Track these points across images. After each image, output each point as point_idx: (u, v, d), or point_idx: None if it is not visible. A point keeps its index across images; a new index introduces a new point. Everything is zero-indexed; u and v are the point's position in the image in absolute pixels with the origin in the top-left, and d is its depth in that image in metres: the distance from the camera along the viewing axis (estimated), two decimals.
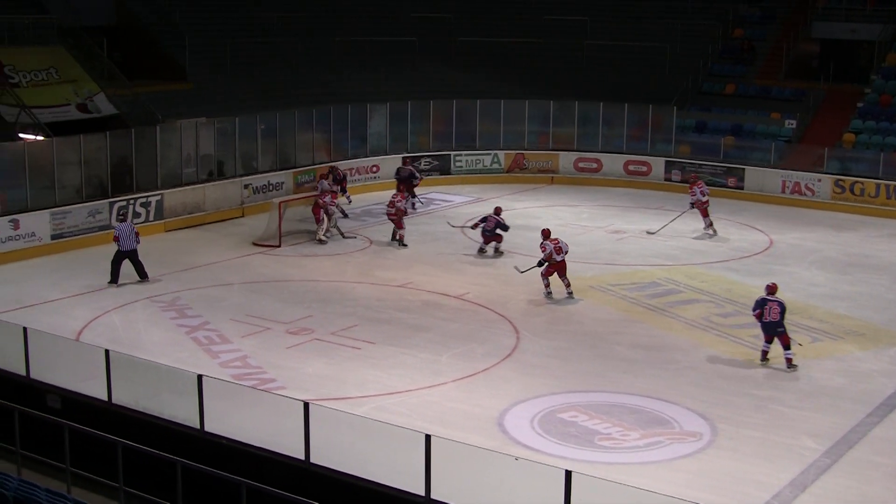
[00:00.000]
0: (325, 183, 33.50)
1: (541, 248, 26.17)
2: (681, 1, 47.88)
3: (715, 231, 32.66)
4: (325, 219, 31.63)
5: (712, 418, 18.91)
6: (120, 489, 15.14)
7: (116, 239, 26.99)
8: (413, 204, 35.61)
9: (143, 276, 27.06)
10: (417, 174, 37.09)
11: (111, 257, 26.92)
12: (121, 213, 29.07)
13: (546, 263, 26.05)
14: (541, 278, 26.16)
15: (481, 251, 30.10)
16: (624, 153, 41.76)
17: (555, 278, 25.99)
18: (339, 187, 34.74)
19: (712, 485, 16.38)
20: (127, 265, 26.73)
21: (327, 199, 31.84)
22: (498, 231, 29.97)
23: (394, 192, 33.62)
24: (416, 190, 36.54)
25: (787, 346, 21.35)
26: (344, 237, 31.93)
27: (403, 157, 38.57)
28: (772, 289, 21.79)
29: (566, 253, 26.07)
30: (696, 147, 41.25)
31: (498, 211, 30.32)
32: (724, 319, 24.64)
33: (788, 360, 21.30)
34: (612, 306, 25.60)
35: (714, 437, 18.21)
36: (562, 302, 25.79)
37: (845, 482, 16.71)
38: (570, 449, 17.63)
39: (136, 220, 31.97)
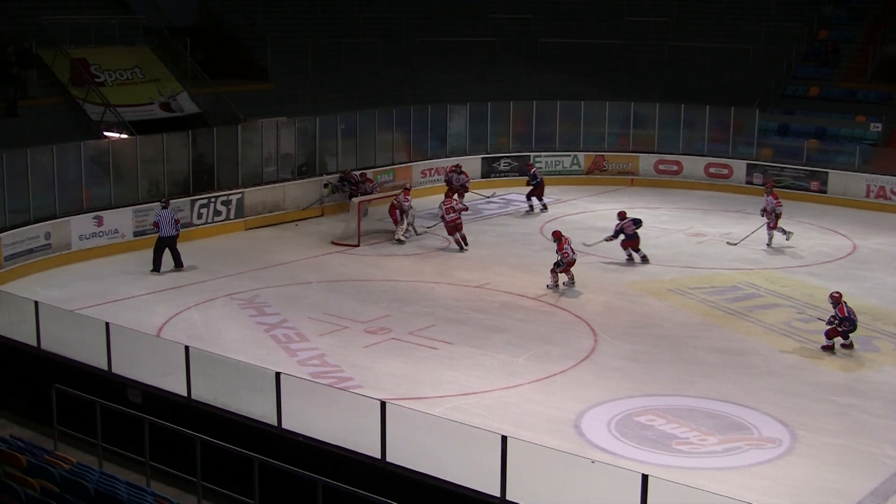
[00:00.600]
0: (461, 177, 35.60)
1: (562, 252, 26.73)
2: (765, 2, 47.30)
3: (784, 232, 31.92)
4: (403, 218, 31.70)
5: (792, 425, 18.67)
6: (198, 484, 15.28)
7: (156, 225, 27.99)
8: (542, 206, 36.25)
9: (178, 264, 27.97)
10: (467, 184, 36.78)
11: (192, 255, 27.19)
12: (164, 200, 29.28)
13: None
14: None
15: (630, 260, 29.66)
16: (705, 155, 41.37)
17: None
18: (355, 189, 34.66)
19: (791, 492, 16.18)
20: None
21: (400, 197, 31.83)
22: (637, 231, 29.73)
23: (443, 198, 33.04)
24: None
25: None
26: (417, 234, 31.97)
27: (455, 165, 37.92)
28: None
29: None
30: (779, 150, 40.74)
31: (622, 215, 29.87)
32: (804, 325, 24.32)
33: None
34: (692, 310, 25.38)
35: (794, 444, 17.98)
36: (641, 305, 25.62)
37: None
38: (647, 453, 17.50)
39: (216, 218, 32.36)
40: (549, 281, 26.67)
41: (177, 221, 28.30)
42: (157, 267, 27.65)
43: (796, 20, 45.66)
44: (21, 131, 31.14)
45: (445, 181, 36.91)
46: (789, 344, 22.96)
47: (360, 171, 35.78)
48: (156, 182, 31.53)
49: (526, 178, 37.26)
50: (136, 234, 30.25)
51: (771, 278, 28.13)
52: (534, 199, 36.38)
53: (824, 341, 22.58)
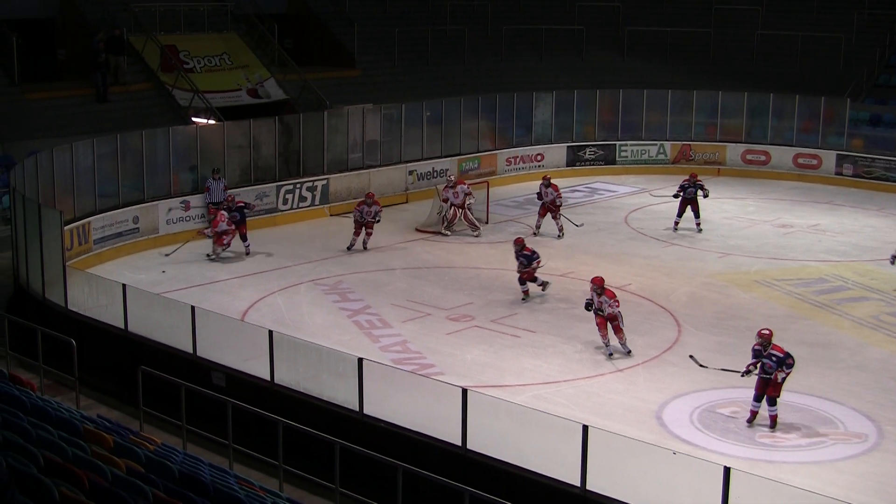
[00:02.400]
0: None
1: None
2: None
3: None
4: (456, 213, 31.23)
5: (879, 420, 18.38)
6: (279, 467, 15.42)
7: (207, 189, 29.88)
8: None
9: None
10: (558, 200, 30.83)
11: (277, 240, 27.35)
12: (215, 170, 30.27)
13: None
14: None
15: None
16: (794, 146, 40.79)
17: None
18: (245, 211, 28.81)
19: (877, 488, 15.92)
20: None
21: (448, 193, 31.25)
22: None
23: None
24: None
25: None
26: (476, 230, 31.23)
27: (544, 176, 32.20)
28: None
29: None
30: (870, 140, 40.06)
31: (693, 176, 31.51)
32: (894, 318, 23.92)
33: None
34: (778, 302, 25.07)
35: (880, 440, 17.69)
36: (726, 296, 25.37)
37: None
38: (730, 445, 17.33)
39: (302, 204, 32.58)
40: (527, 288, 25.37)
41: (225, 188, 29.75)
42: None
43: (890, 8, 44.88)
44: (111, 117, 31.67)
45: (537, 195, 31.38)
46: (877, 338, 22.59)
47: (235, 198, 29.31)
48: (243, 167, 31.82)
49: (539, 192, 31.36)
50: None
51: (860, 271, 27.71)
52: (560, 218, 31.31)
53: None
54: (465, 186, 31.38)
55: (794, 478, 14.70)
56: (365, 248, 28.81)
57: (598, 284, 21.27)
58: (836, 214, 34.40)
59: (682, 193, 30.88)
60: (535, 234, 30.66)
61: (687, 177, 31.61)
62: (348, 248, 28.82)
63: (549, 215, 30.79)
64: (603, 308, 21.10)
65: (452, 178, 32.12)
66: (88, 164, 27.62)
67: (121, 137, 28.72)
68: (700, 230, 30.90)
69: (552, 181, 31.10)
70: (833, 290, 26.05)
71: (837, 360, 21.37)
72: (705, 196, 31.00)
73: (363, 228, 28.89)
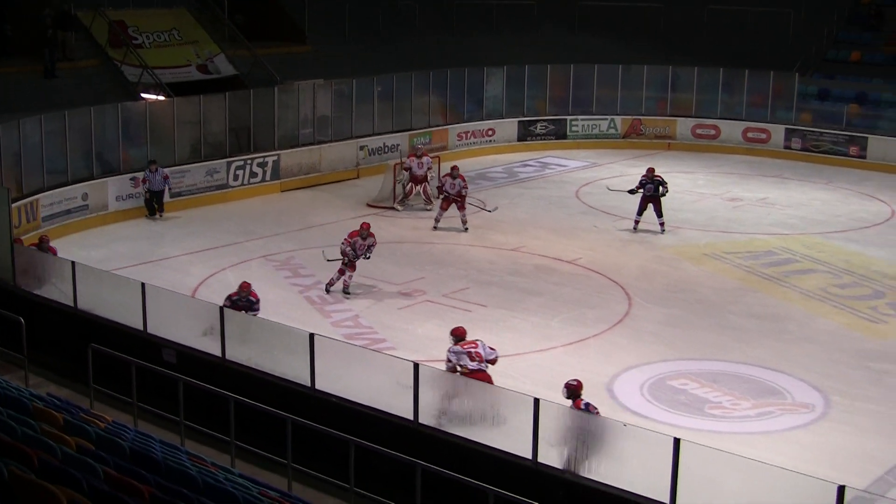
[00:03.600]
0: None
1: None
2: None
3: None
4: (414, 187, 31.21)
5: (826, 390, 18.61)
6: (231, 443, 15.40)
7: (145, 181, 29.14)
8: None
9: (160, 210, 29.62)
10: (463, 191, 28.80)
11: (228, 216, 27.23)
12: (151, 162, 29.40)
13: None
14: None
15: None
16: (743, 120, 41.07)
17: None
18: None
19: (824, 458, 16.12)
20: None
21: (413, 162, 31.05)
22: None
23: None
24: None
25: None
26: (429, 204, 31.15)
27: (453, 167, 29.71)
28: None
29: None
30: (819, 115, 40.38)
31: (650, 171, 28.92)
32: (841, 290, 24.21)
33: None
34: (727, 275, 25.28)
35: (827, 410, 17.93)
36: (676, 269, 25.55)
37: None
38: (680, 417, 17.50)
39: (252, 180, 32.46)
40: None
41: (166, 178, 29.37)
42: (151, 213, 29.50)
43: None
44: (59, 93, 31.31)
45: (437, 186, 29.94)
46: (825, 310, 22.85)
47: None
48: (192, 144, 31.65)
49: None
50: (172, 195, 30.33)
51: (807, 243, 27.98)
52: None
53: (861, 309, 22.48)
54: (429, 159, 31.37)
55: (742, 448, 14.82)
56: (346, 293, 23.39)
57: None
58: (785, 188, 34.70)
59: (640, 190, 28.67)
60: (435, 228, 28.92)
61: (644, 172, 29.08)
62: (326, 290, 23.64)
63: (454, 207, 28.73)
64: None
65: (421, 146, 31.87)
66: (36, 141, 27.36)
67: (69, 114, 28.46)
68: (663, 231, 28.54)
69: (460, 172, 28.94)
70: (781, 262, 26.30)
71: (786, 331, 21.61)
72: (664, 194, 28.59)
73: (347, 268, 23.60)
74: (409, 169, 30.98)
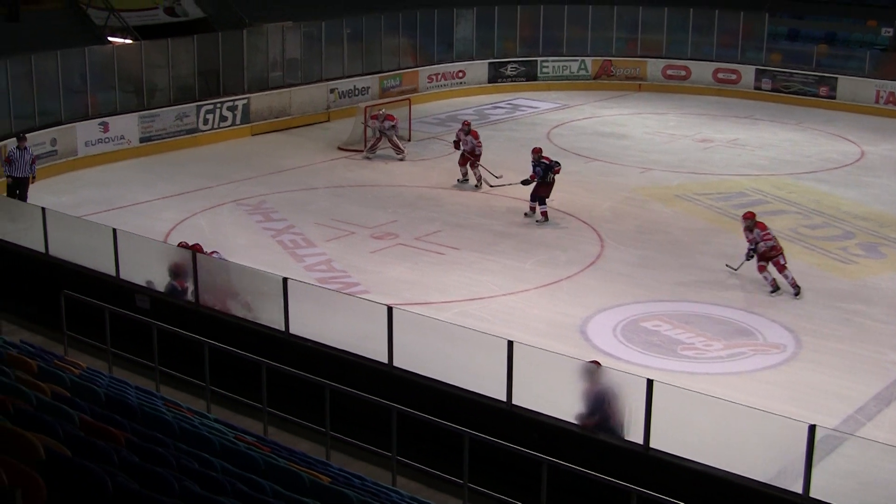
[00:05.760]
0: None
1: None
2: None
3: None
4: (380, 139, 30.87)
5: (797, 330, 18.76)
6: (206, 388, 15.40)
7: (8, 161, 24.35)
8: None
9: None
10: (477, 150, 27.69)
11: (199, 160, 27.06)
12: (20, 136, 24.95)
13: None
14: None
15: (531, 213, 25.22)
16: (713, 61, 41.08)
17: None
18: None
19: (795, 397, 16.28)
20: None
21: (376, 123, 30.64)
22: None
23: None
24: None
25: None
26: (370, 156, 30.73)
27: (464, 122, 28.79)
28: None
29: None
30: (788, 55, 40.44)
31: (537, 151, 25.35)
32: (811, 231, 24.35)
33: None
34: (698, 216, 25.37)
35: (798, 350, 18.07)
36: (647, 210, 25.62)
37: None
38: (653, 358, 17.61)
39: (222, 124, 32.26)
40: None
41: (33, 161, 24.75)
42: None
43: None
44: (24, 37, 30.89)
45: (454, 141, 28.56)
46: (795, 250, 22.92)
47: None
48: (161, 88, 31.40)
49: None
50: (142, 140, 30.19)
51: (778, 184, 28.08)
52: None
53: (831, 249, 22.62)
54: (391, 121, 30.46)
55: (714, 388, 14.95)
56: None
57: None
58: (756, 129, 34.79)
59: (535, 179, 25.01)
60: (463, 181, 27.74)
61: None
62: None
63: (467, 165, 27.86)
64: None
65: (383, 111, 31.44)
66: (2, 86, 27.12)
67: (35, 58, 28.17)
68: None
69: (472, 128, 28.00)
70: (752, 203, 26.32)
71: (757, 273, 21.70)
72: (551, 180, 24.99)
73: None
74: (373, 125, 30.62)
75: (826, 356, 17.85)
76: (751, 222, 20.84)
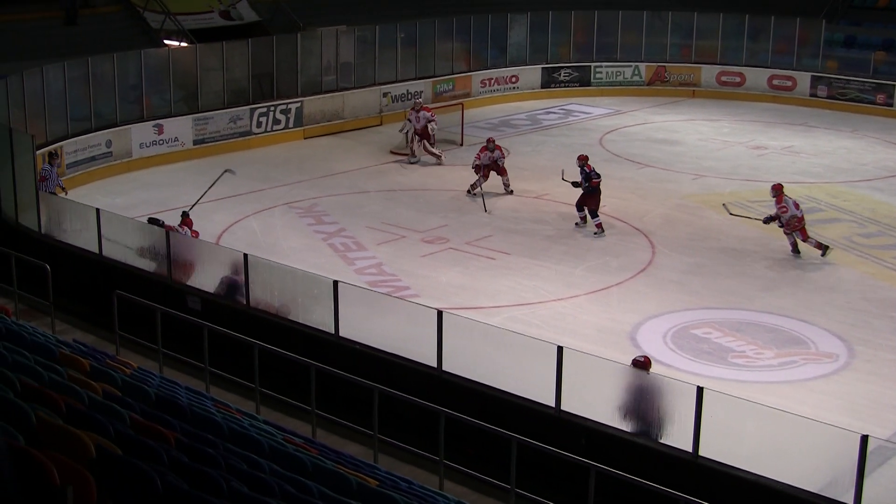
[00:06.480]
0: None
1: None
2: None
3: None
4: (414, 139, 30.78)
5: (850, 340, 18.57)
6: (256, 390, 15.49)
7: (43, 180, 23.18)
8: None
9: None
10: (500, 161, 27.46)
11: (253, 163, 27.17)
12: (51, 156, 24.60)
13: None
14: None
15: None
16: (768, 67, 40.74)
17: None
18: None
19: (847, 406, 16.12)
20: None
21: (411, 115, 30.60)
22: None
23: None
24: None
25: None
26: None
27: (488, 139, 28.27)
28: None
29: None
30: (845, 62, 40.04)
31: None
32: (866, 240, 24.11)
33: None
34: (750, 224, 25.16)
35: (851, 359, 17.89)
36: (700, 218, 25.47)
37: None
38: (703, 365, 17.51)
39: (275, 127, 32.42)
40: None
41: (59, 181, 24.15)
42: None
43: None
44: (81, 40, 31.32)
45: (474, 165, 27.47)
46: (849, 259, 22.75)
47: None
48: (215, 91, 31.62)
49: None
50: (195, 142, 30.43)
51: (832, 192, 27.84)
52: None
53: (886, 258, 22.41)
54: (430, 114, 30.70)
55: (764, 397, 14.85)
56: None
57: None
58: (810, 136, 34.49)
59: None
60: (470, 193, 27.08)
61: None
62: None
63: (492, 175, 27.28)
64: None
65: (420, 101, 31.60)
66: (60, 88, 27.39)
67: (92, 61, 28.46)
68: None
69: (496, 144, 27.46)
70: (806, 211, 26.03)
71: (810, 280, 21.55)
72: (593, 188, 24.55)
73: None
74: (410, 121, 30.68)
75: (879, 366, 17.66)
76: (776, 192, 22.91)
